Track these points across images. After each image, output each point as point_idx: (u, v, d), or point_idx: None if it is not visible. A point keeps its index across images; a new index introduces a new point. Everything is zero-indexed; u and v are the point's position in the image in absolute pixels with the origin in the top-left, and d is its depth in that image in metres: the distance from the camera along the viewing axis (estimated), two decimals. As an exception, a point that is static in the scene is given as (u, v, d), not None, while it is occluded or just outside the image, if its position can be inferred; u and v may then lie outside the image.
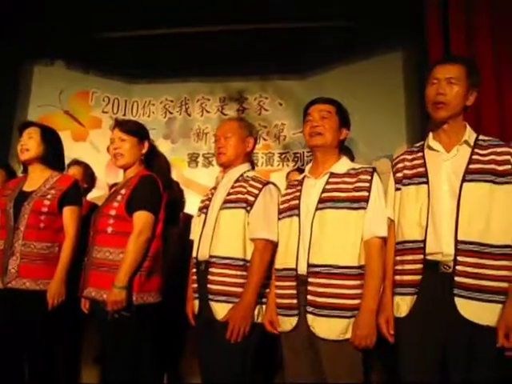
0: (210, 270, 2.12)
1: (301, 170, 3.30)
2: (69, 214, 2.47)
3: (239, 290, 2.07)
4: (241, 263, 2.10)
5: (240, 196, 2.16)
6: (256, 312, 2.08)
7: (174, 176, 4.02)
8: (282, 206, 2.14)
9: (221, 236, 2.13)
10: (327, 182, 2.02)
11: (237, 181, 2.23)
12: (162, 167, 2.48)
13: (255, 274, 2.05)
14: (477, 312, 1.72)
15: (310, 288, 1.92)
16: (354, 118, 4.00)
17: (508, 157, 1.81)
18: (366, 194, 1.95)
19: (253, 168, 2.43)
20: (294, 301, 1.97)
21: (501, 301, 1.72)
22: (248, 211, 2.13)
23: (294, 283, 1.97)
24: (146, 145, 2.42)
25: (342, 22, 4.11)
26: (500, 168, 1.80)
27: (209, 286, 2.11)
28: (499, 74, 2.90)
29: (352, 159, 2.77)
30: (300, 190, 2.09)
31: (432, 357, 1.77)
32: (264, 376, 2.78)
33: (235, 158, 2.27)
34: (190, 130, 4.61)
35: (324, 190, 2.01)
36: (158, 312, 2.31)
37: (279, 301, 2.04)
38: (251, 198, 2.14)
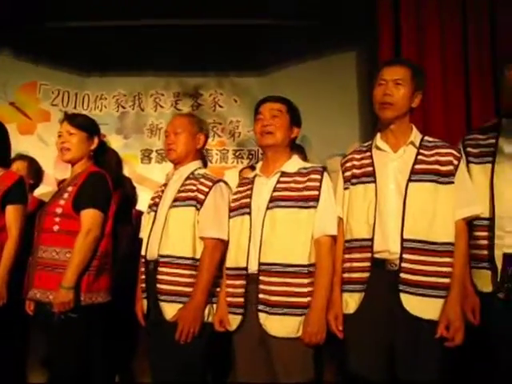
0: (159, 269, 2.08)
1: (254, 168, 3.31)
2: (11, 213, 2.38)
3: (189, 289, 2.04)
4: (190, 262, 2.07)
5: (190, 194, 2.13)
6: (206, 312, 2.06)
7: (126, 172, 3.95)
8: (233, 205, 2.14)
9: (170, 235, 2.10)
10: (278, 181, 2.03)
11: (187, 178, 2.20)
12: (112, 163, 2.43)
13: (205, 274, 2.03)
14: (421, 307, 1.78)
15: (261, 286, 1.92)
16: (308, 116, 4.03)
17: (451, 158, 1.88)
18: (316, 193, 1.97)
19: (205, 165, 2.40)
20: (242, 299, 1.97)
21: (443, 296, 1.79)
22: (198, 209, 2.10)
23: (243, 282, 1.98)
24: (96, 140, 2.36)
25: (298, 21, 4.14)
26: (443, 168, 1.86)
27: (158, 285, 2.08)
28: (446, 77, 2.99)
29: (304, 157, 2.81)
30: (251, 189, 2.09)
31: (379, 351, 1.82)
32: (215, 376, 2.77)
33: (186, 155, 2.24)
34: (144, 125, 4.52)
35: (275, 189, 2.02)
36: (109, 312, 2.26)
37: (230, 299, 2.03)
38: (201, 197, 2.12)
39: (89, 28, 4.25)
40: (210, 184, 2.14)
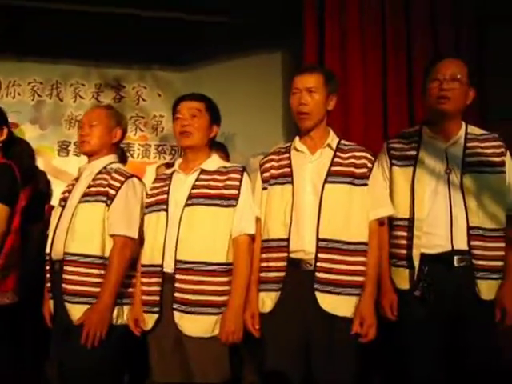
0: (65, 268, 1.97)
1: (169, 165, 3.28)
2: None
3: (97, 289, 1.94)
4: (99, 261, 1.98)
5: (100, 189, 2.04)
6: (115, 314, 1.97)
7: (41, 165, 3.73)
8: (148, 200, 2.08)
9: (77, 232, 1.99)
10: (197, 179, 2.01)
11: (99, 173, 2.11)
12: (23, 155, 2.28)
13: (113, 273, 1.94)
14: (335, 305, 1.83)
15: (177, 285, 1.89)
16: (233, 114, 4.03)
17: (365, 161, 1.95)
18: (235, 192, 1.97)
19: (124, 161, 2.32)
20: (157, 298, 1.93)
21: (357, 293, 1.86)
22: (108, 205, 2.01)
23: (159, 280, 1.94)
24: (5, 131, 2.22)
25: (224, 17, 4.12)
26: (358, 171, 1.93)
27: (63, 285, 1.96)
28: (367, 81, 3.10)
29: (227, 155, 2.81)
30: (169, 185, 2.05)
31: (295, 350, 1.85)
32: (133, 377, 2.70)
33: (99, 149, 2.15)
34: (62, 116, 4.29)
35: (194, 187, 1.99)
36: (18, 313, 2.14)
37: (144, 298, 1.98)
38: (112, 192, 2.03)
39: (4, 7, 3.96)
40: (122, 179, 2.06)
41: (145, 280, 1.99)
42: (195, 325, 1.88)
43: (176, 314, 1.89)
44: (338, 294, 1.84)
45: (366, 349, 1.88)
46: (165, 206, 1.99)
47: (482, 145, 2.03)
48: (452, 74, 1.97)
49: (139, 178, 2.17)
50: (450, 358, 1.92)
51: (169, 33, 4.09)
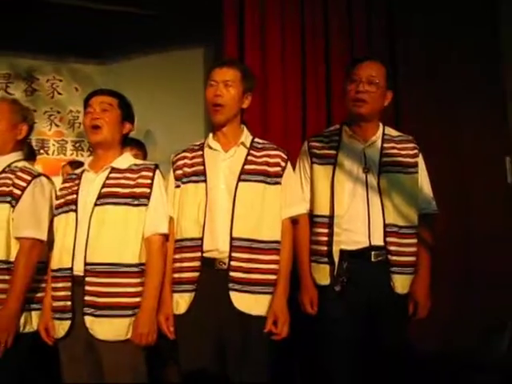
0: None
1: (75, 163, 3.15)
2: None
3: (2, 296, 1.86)
4: (3, 266, 1.90)
5: (4, 189, 1.95)
6: (22, 320, 1.90)
7: None
8: (58, 201, 2.00)
9: None
10: (108, 177, 1.95)
11: (3, 171, 2.00)
12: None
13: (20, 278, 1.86)
14: (249, 304, 1.83)
15: (87, 288, 1.82)
16: (153, 110, 3.93)
17: (279, 160, 1.96)
18: (147, 190, 1.92)
19: (32, 157, 2.19)
20: (69, 303, 1.85)
21: (270, 292, 1.86)
22: (13, 206, 1.93)
23: (69, 284, 1.86)
24: None
25: (146, 10, 4.00)
26: (271, 169, 1.94)
27: None
28: (286, 80, 3.13)
29: (144, 153, 2.74)
30: (78, 184, 1.97)
31: (211, 350, 1.84)
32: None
33: (2, 146, 2.04)
34: (-35, 108, 4.00)
35: (104, 185, 1.93)
36: None
37: (54, 304, 1.90)
38: (17, 192, 1.94)
39: None
40: (28, 178, 1.97)
41: (54, 285, 1.90)
42: (107, 328, 1.82)
43: (87, 318, 1.82)
44: (252, 292, 1.84)
45: (285, 345, 1.90)
46: (74, 207, 1.92)
47: (398, 146, 2.11)
48: (369, 76, 2.02)
49: (48, 177, 2.07)
50: (367, 349, 1.98)
51: (86, 23, 3.91)
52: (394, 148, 2.09)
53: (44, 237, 1.93)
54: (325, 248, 2.01)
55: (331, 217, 2.01)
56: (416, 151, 2.12)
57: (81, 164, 3.21)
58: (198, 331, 1.83)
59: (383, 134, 2.11)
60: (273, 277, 1.87)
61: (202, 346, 1.83)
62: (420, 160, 2.12)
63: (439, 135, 3.28)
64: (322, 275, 2.01)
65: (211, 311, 1.83)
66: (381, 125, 2.14)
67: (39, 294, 1.96)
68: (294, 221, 1.99)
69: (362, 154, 2.07)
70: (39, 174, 2.02)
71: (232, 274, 1.83)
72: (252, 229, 1.86)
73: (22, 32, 3.79)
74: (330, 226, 2.01)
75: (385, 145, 2.09)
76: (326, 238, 2.02)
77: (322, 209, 2.03)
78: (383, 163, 2.05)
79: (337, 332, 1.95)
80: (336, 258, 1.98)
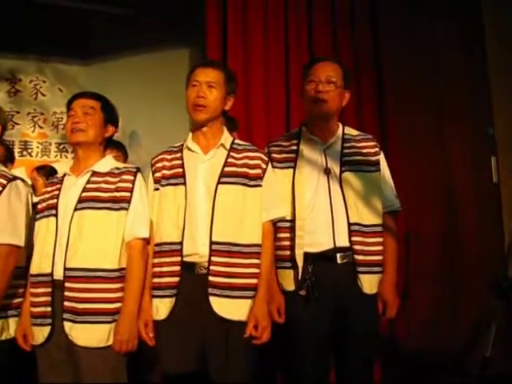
0: None
1: (44, 169, 3.11)
2: None
3: None
4: None
5: None
6: None
7: None
8: (39, 206, 1.98)
9: None
10: (88, 181, 1.93)
11: None
12: None
13: None
14: (229, 309, 1.80)
15: (67, 294, 1.80)
16: (139, 111, 3.90)
17: (259, 161, 1.94)
18: (128, 194, 1.90)
19: (10, 159, 2.16)
20: (49, 309, 1.82)
21: (250, 296, 1.84)
22: None
23: (49, 289, 1.83)
24: None
25: (131, 10, 3.97)
26: (252, 172, 1.91)
27: None
28: (268, 81, 3.13)
29: (124, 154, 2.71)
30: (59, 189, 1.95)
31: (192, 356, 1.81)
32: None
33: None
34: None
35: (84, 190, 1.90)
36: None
37: (33, 310, 1.87)
38: None
39: None
40: (4, 182, 1.93)
41: (34, 290, 1.88)
42: (87, 335, 1.79)
43: (66, 324, 1.79)
44: (232, 297, 1.81)
45: (267, 350, 1.88)
46: (54, 211, 1.90)
47: (359, 145, 2.10)
48: (327, 76, 2.02)
49: (23, 180, 2.03)
50: (337, 352, 1.98)
51: (71, 23, 3.88)
52: (354, 147, 2.08)
53: (21, 242, 1.90)
54: (288, 253, 1.98)
55: (293, 221, 1.98)
56: (377, 149, 2.11)
57: (51, 169, 3.19)
58: (179, 336, 1.80)
59: (343, 134, 2.10)
60: (253, 281, 1.84)
61: (184, 352, 1.80)
62: (381, 158, 2.11)
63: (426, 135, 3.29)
64: (288, 281, 1.98)
65: (192, 316, 1.80)
66: (340, 125, 2.13)
67: (16, 300, 1.92)
68: (275, 224, 1.97)
69: (322, 154, 2.05)
70: (15, 178, 1.97)
71: (211, 278, 1.80)
72: (232, 232, 1.83)
73: (4, 31, 3.74)
74: (292, 229, 1.97)
75: (345, 144, 2.08)
76: (288, 243, 1.99)
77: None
78: (344, 163, 2.04)
79: (305, 339, 1.92)
80: (300, 262, 1.95)
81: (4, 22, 3.71)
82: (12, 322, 1.91)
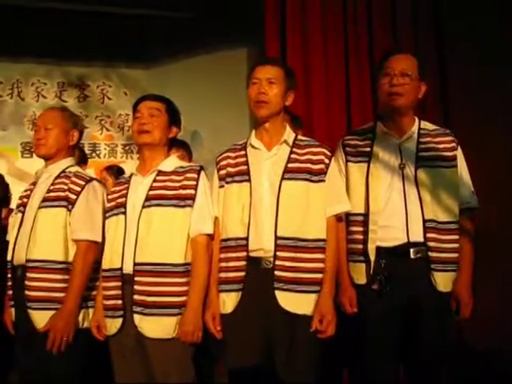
0: (28, 275, 1.97)
1: (112, 168, 3.24)
2: None
3: (61, 295, 1.95)
4: (62, 266, 1.98)
5: (60, 194, 2.03)
6: (81, 317, 1.98)
7: (4, 167, 3.63)
8: (109, 204, 2.07)
9: (39, 237, 1.99)
10: (154, 180, 1.99)
11: (58, 177, 2.09)
12: None
13: (77, 278, 1.95)
14: (295, 303, 1.82)
15: (136, 287, 1.87)
16: (199, 110, 4.00)
17: (322, 157, 1.94)
18: (192, 192, 1.95)
19: (84, 161, 2.28)
20: (119, 302, 1.91)
21: (316, 290, 1.85)
22: (69, 210, 2.01)
23: (119, 283, 1.91)
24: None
25: (189, 13, 4.07)
26: (315, 167, 1.92)
27: (26, 292, 1.96)
28: (328, 79, 3.11)
29: (189, 154, 2.78)
30: (127, 188, 2.03)
31: (258, 350, 1.84)
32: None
33: (56, 152, 2.13)
34: (24, 116, 4.22)
35: (151, 188, 1.97)
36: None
37: (105, 302, 1.96)
38: (73, 196, 2.02)
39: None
40: (82, 183, 2.05)
41: (105, 284, 1.97)
42: (155, 326, 1.86)
43: (136, 316, 1.87)
44: (298, 291, 1.83)
45: (332, 344, 1.88)
46: (123, 209, 1.98)
47: (435, 140, 2.05)
48: (402, 69, 1.98)
49: (99, 181, 2.16)
50: (407, 349, 1.94)
51: (132, 29, 4.03)
52: (430, 142, 2.02)
53: (99, 238, 2.01)
54: (361, 246, 1.97)
55: (366, 215, 1.97)
56: (454, 144, 2.04)
57: (119, 168, 3.33)
58: (244, 330, 1.83)
59: (419, 128, 2.05)
60: (318, 275, 1.85)
61: (249, 345, 1.83)
62: (459, 154, 2.04)
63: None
64: (359, 274, 1.98)
65: (258, 310, 1.83)
66: (416, 119, 2.08)
67: (95, 292, 2.04)
68: (339, 218, 1.96)
69: (397, 149, 2.02)
70: (92, 179, 2.11)
71: (277, 273, 1.82)
72: (297, 227, 1.85)
73: (73, 42, 3.95)
74: (366, 223, 1.97)
75: (421, 139, 2.03)
76: (361, 236, 1.98)
77: (357, 207, 1.99)
78: (419, 158, 1.99)
79: (376, 334, 1.91)
80: (372, 256, 1.94)
81: (72, 33, 3.91)
82: (92, 312, 2.02)
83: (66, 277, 1.96)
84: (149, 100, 2.05)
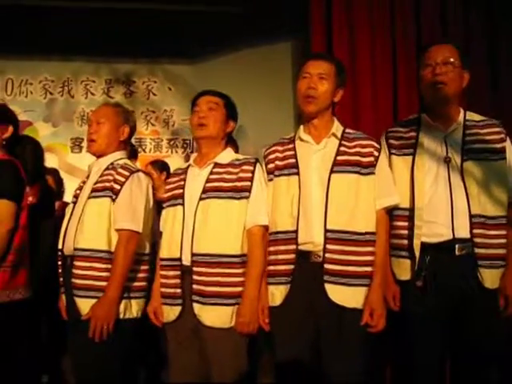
0: (75, 263, 2.01)
1: (157, 163, 3.30)
2: None
3: (104, 283, 1.97)
4: (106, 255, 2.00)
5: (106, 184, 2.07)
6: (122, 307, 2.00)
7: (55, 162, 3.76)
8: (165, 195, 2.11)
9: (85, 227, 2.03)
10: (211, 172, 2.02)
11: (106, 169, 2.14)
12: (28, 153, 2.30)
13: (119, 267, 1.96)
14: (345, 296, 1.82)
15: (195, 277, 1.91)
16: (244, 105, 4.01)
17: (372, 149, 1.92)
18: (248, 184, 1.97)
19: (135, 156, 2.33)
20: (179, 290, 1.95)
21: (366, 284, 1.84)
22: (114, 200, 2.04)
23: (178, 272, 1.95)
24: (10, 129, 2.23)
25: (232, 8, 4.08)
26: (364, 160, 1.90)
27: (73, 280, 2.00)
28: (376, 74, 3.07)
29: (236, 148, 2.80)
30: (184, 179, 2.07)
31: (306, 343, 1.84)
32: (149, 375, 2.72)
33: (106, 147, 2.17)
34: (73, 112, 4.35)
35: (208, 180, 2.00)
36: (34, 307, 2.18)
37: (164, 290, 2.00)
38: (117, 187, 2.05)
39: (9, 6, 3.96)
40: (126, 174, 2.08)
41: (164, 273, 2.01)
42: (214, 316, 1.89)
43: (195, 305, 1.90)
44: (348, 285, 1.82)
45: (378, 340, 1.87)
46: (181, 200, 2.01)
47: (482, 131, 1.97)
48: (444, 58, 1.93)
49: (145, 173, 2.19)
50: (454, 347, 1.90)
51: (176, 25, 4.07)
52: (477, 133, 1.95)
53: (139, 228, 2.03)
54: (405, 242, 1.93)
55: (411, 209, 1.92)
56: (502, 136, 1.95)
57: (163, 163, 3.40)
58: (293, 323, 1.84)
59: (465, 120, 1.98)
60: (368, 269, 1.84)
61: (298, 338, 1.84)
62: (508, 145, 1.96)
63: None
64: (403, 270, 1.94)
65: (306, 303, 1.83)
66: (462, 110, 2.01)
67: (137, 284, 2.06)
68: (392, 212, 1.94)
69: (442, 142, 1.96)
70: (137, 170, 2.13)
71: (327, 266, 1.82)
72: (346, 220, 1.84)
73: (119, 39, 4.04)
74: (411, 218, 1.92)
75: (467, 130, 1.96)
76: (406, 232, 1.93)
77: (402, 201, 1.94)
78: (466, 151, 1.92)
79: (421, 331, 1.87)
80: (417, 252, 1.89)
81: (118, 31, 4.00)
82: (134, 303, 2.04)
83: (109, 266, 1.98)
84: (208, 95, 2.09)
